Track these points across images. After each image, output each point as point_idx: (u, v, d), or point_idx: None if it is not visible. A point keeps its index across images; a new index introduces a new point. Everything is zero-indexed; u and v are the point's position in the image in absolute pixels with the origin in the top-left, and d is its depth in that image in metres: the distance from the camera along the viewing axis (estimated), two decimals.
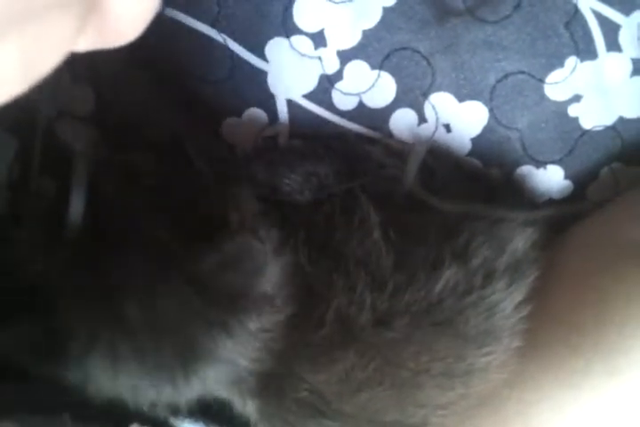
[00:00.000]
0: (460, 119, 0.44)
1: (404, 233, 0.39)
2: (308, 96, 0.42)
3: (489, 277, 0.40)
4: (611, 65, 0.44)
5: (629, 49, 0.43)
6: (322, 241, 0.38)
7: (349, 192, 0.40)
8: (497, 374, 0.40)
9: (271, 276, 0.35)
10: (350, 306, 0.37)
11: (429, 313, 0.38)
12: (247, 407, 0.39)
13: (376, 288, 0.38)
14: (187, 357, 0.34)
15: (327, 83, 0.42)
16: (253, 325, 0.35)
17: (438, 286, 0.38)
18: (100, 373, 0.34)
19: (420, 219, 0.41)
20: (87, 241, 0.35)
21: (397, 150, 0.44)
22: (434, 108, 0.43)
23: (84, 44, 0.23)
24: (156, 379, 0.34)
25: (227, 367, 0.35)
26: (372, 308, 0.37)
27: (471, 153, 0.45)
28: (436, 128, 0.44)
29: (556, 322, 0.42)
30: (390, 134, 0.44)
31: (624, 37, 0.43)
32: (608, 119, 0.45)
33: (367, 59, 0.42)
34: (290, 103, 0.42)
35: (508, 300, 0.40)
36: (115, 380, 0.34)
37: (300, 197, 0.40)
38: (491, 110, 0.44)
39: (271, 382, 0.37)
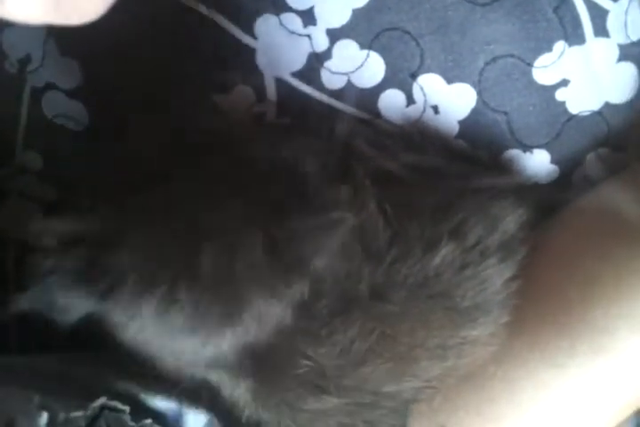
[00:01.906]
0: (448, 101, 0.44)
1: (400, 209, 0.39)
2: (297, 74, 0.42)
3: (483, 253, 0.40)
4: (598, 50, 0.44)
5: (616, 34, 0.44)
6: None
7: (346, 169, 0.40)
8: (486, 346, 0.41)
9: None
10: (347, 278, 0.37)
11: (426, 286, 0.39)
12: (238, 390, 0.38)
13: (373, 260, 0.38)
14: (233, 316, 0.34)
15: (316, 61, 0.42)
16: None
17: (435, 261, 0.39)
18: (149, 315, 0.33)
19: (416, 196, 0.41)
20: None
21: (386, 131, 0.44)
22: (422, 89, 0.43)
23: (38, 17, 0.23)
24: (195, 332, 0.34)
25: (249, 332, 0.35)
26: (369, 280, 0.37)
27: (459, 135, 0.45)
28: (424, 109, 0.44)
29: (544, 300, 0.42)
30: (379, 115, 0.44)
31: (612, 23, 0.43)
32: (595, 104, 0.45)
33: (356, 38, 0.42)
34: (278, 81, 0.42)
35: (499, 275, 0.41)
36: (158, 325, 0.33)
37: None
38: (479, 93, 0.44)
39: (269, 360, 0.37)
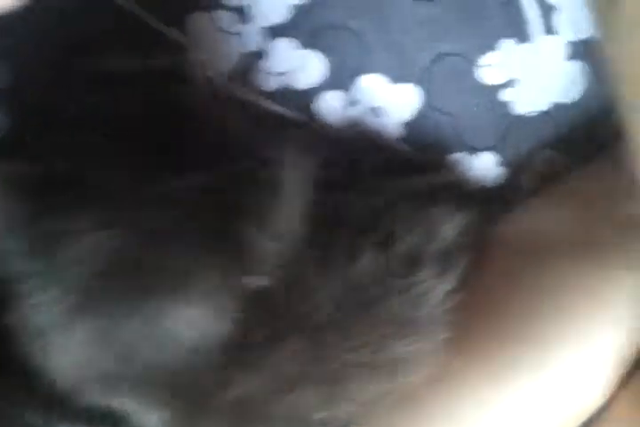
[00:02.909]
0: (391, 102, 0.42)
1: (329, 216, 0.37)
2: (230, 74, 0.40)
3: (416, 263, 0.38)
4: (546, 48, 0.42)
5: (565, 32, 0.42)
6: None
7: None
8: (423, 365, 0.39)
9: None
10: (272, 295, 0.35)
11: (350, 298, 0.36)
12: (150, 421, 0.35)
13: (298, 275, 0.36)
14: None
15: (250, 61, 0.39)
16: None
17: (356, 270, 0.36)
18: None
19: (349, 202, 0.39)
20: None
21: (324, 134, 0.42)
22: (364, 90, 0.41)
23: None
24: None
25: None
26: (296, 294, 0.35)
27: (402, 138, 0.43)
28: (366, 111, 0.42)
29: (484, 315, 0.41)
30: (317, 117, 0.41)
31: (560, 20, 0.42)
32: (543, 104, 0.44)
33: (296, 36, 0.39)
34: (210, 81, 0.40)
35: (437, 289, 0.39)
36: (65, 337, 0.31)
37: None
38: (424, 93, 0.42)
39: (189, 387, 0.34)
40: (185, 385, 0.34)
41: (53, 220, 0.30)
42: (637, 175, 0.37)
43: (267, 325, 0.35)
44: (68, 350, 0.32)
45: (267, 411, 0.35)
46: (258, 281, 0.34)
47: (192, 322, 0.33)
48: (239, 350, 0.34)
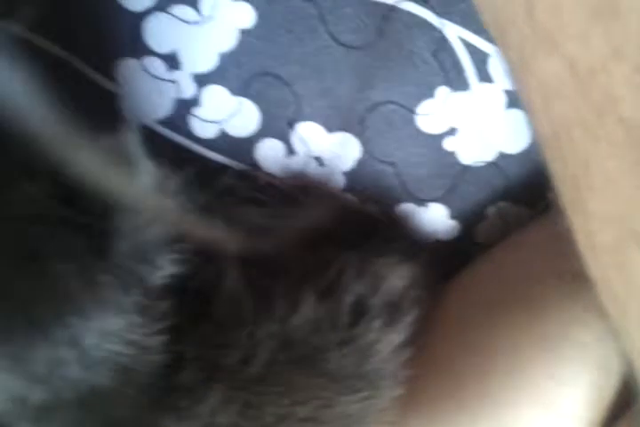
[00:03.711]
0: (330, 152, 0.42)
1: (268, 269, 0.37)
2: (164, 122, 0.40)
3: (361, 315, 0.37)
4: (484, 96, 0.42)
5: (501, 80, 0.42)
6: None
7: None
8: (375, 424, 0.36)
9: None
10: (215, 348, 0.34)
11: (287, 349, 0.35)
12: None
13: (237, 326, 0.35)
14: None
15: (184, 108, 0.40)
16: None
17: (295, 321, 0.35)
18: None
19: (289, 254, 0.38)
20: None
21: (265, 184, 0.41)
22: (302, 139, 0.41)
23: None
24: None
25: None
26: (237, 346, 0.34)
27: (346, 188, 0.42)
28: (307, 161, 0.42)
29: (440, 371, 0.39)
30: (257, 166, 0.41)
31: (494, 68, 0.42)
32: (488, 155, 0.43)
33: (226, 84, 0.40)
34: (145, 129, 0.40)
35: (385, 341, 0.37)
36: None
37: None
38: (362, 143, 0.42)
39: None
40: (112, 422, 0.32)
41: None
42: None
43: (197, 369, 0.34)
44: None
45: None
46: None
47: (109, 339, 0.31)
48: (167, 392, 0.33)
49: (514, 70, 0.24)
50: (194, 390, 0.33)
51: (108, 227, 0.29)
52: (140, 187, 0.31)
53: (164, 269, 0.31)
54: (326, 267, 0.38)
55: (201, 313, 0.35)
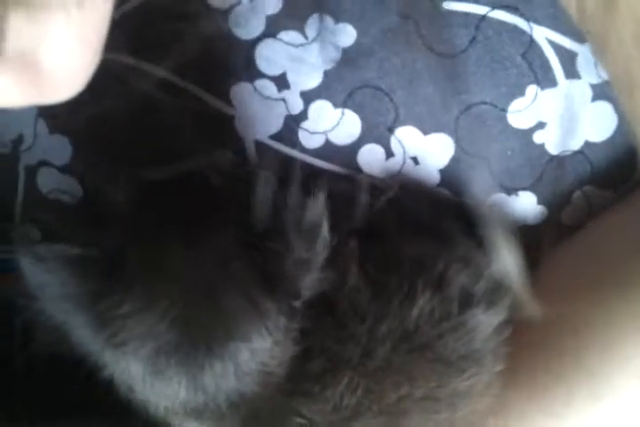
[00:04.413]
0: (426, 152, 0.45)
1: (380, 264, 0.40)
2: (275, 137, 0.44)
3: (467, 302, 0.41)
4: (571, 91, 0.45)
5: (587, 75, 0.44)
6: None
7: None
8: (481, 397, 0.41)
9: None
10: (336, 342, 0.38)
11: (407, 340, 0.39)
12: None
13: (358, 320, 0.39)
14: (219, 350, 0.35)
15: (293, 123, 0.43)
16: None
17: (413, 314, 0.39)
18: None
19: (398, 250, 0.42)
20: None
21: (368, 186, 0.45)
22: (400, 142, 0.44)
23: (20, 99, 0.25)
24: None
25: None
26: (359, 341, 0.38)
27: (441, 184, 0.46)
28: (404, 161, 0.45)
29: (537, 347, 0.42)
30: (359, 170, 0.45)
31: (581, 64, 0.44)
32: (575, 144, 0.46)
33: (330, 98, 0.43)
34: (258, 144, 0.44)
35: (487, 323, 0.41)
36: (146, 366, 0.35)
37: None
38: (456, 141, 0.45)
39: (258, 416, 0.38)
40: (253, 414, 0.37)
41: (112, 300, 0.35)
42: None
43: (323, 360, 0.38)
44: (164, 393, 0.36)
45: None
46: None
47: (258, 355, 0.36)
48: (301, 380, 0.37)
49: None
50: (322, 378, 0.38)
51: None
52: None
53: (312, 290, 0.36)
54: (434, 261, 0.41)
55: (324, 309, 0.39)
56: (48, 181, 0.45)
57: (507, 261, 0.39)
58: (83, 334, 0.35)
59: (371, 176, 0.45)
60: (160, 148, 0.43)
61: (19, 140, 0.45)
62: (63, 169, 0.45)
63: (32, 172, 0.45)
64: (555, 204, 0.47)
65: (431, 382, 0.39)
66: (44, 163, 0.45)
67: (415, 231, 0.43)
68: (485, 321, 0.41)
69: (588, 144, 0.46)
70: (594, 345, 0.41)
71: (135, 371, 0.35)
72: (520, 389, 0.42)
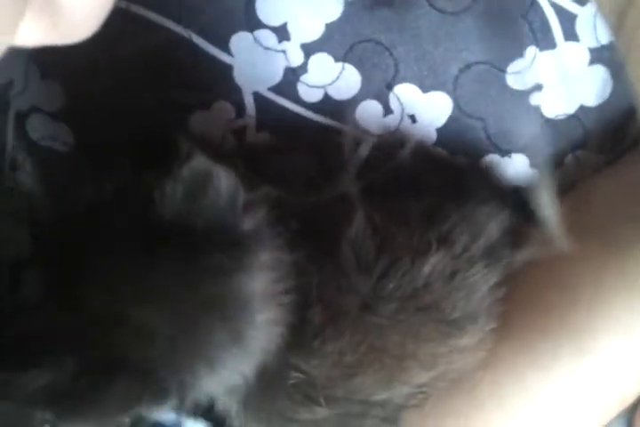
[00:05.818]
0: (424, 110, 0.45)
1: (386, 218, 0.40)
2: (274, 89, 0.43)
3: (469, 261, 0.41)
4: (569, 54, 0.45)
5: (586, 38, 0.44)
6: (308, 225, 0.38)
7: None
8: (474, 353, 0.41)
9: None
10: (336, 289, 0.38)
11: (416, 297, 0.39)
12: (230, 401, 0.39)
13: (362, 272, 0.38)
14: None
15: (292, 75, 0.43)
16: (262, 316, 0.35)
17: (425, 271, 0.39)
18: None
19: (402, 205, 0.42)
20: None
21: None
22: (399, 99, 0.44)
23: (39, 39, 0.24)
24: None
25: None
26: (359, 292, 0.38)
27: (437, 143, 0.46)
28: (402, 119, 0.45)
29: (527, 305, 0.43)
30: (357, 126, 0.45)
31: (581, 27, 0.44)
32: (570, 108, 0.46)
33: (331, 51, 0.43)
34: (256, 96, 0.43)
35: (484, 282, 0.41)
36: None
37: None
38: (455, 100, 0.45)
39: (260, 372, 0.37)
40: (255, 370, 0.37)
41: None
42: None
43: (321, 306, 0.38)
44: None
45: (328, 393, 0.38)
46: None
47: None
48: (300, 331, 0.37)
49: None
50: (322, 331, 0.37)
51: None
52: None
53: None
54: (444, 218, 0.41)
55: (326, 253, 0.38)
56: (38, 128, 0.44)
57: (543, 200, 0.39)
58: None
59: (367, 132, 0.45)
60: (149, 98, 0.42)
61: (8, 85, 0.44)
62: (54, 115, 0.44)
63: (22, 118, 0.44)
64: (546, 166, 0.47)
65: (434, 342, 0.39)
66: (35, 109, 0.44)
67: (416, 188, 0.43)
68: (483, 280, 0.41)
69: (582, 108, 0.46)
70: (581, 302, 0.42)
71: None
72: (510, 344, 0.42)
